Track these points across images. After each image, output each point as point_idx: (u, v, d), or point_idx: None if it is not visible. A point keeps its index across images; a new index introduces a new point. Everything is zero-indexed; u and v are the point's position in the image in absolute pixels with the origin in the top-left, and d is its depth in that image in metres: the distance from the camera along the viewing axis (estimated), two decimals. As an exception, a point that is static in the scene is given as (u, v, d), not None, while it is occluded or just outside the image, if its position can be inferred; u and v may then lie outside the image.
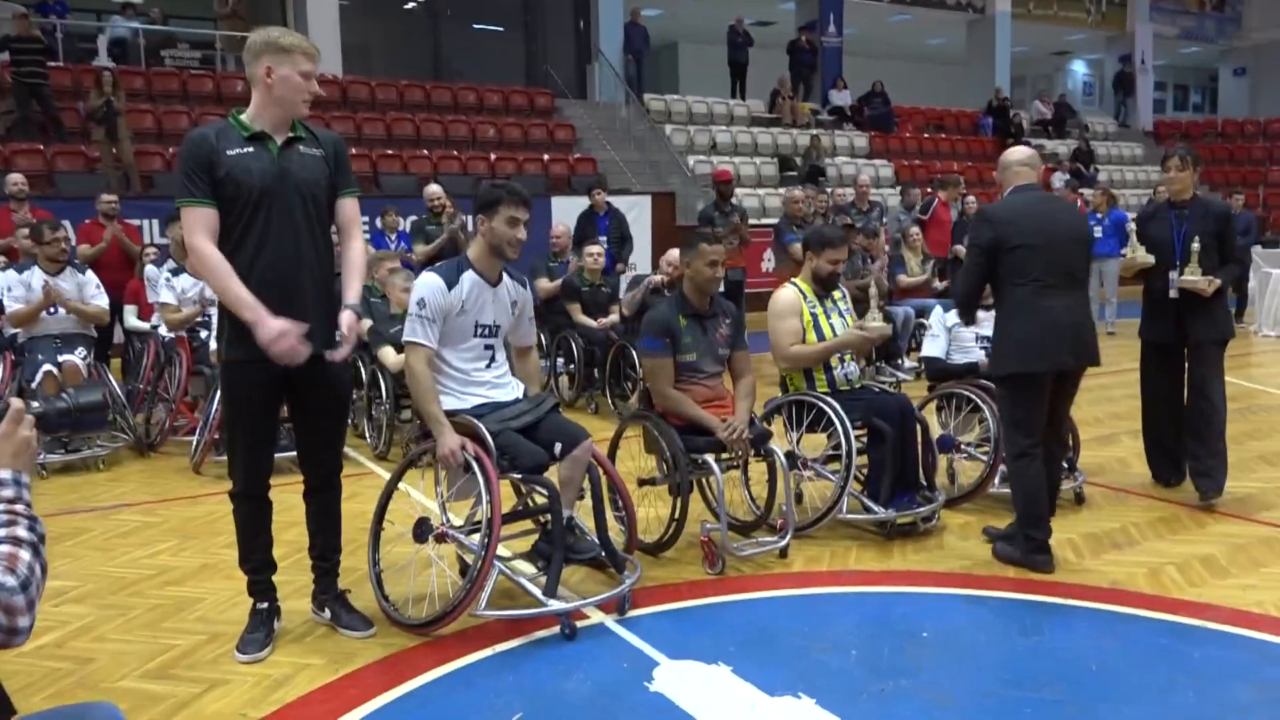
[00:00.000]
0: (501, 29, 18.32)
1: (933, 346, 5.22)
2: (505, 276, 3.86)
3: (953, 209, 10.95)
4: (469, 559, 3.89)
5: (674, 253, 7.47)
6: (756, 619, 3.63)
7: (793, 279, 4.82)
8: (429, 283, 3.70)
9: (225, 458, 5.87)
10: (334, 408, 3.48)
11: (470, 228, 9.38)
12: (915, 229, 9.57)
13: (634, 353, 7.12)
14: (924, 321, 9.08)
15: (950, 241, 10.44)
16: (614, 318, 7.61)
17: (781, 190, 16.50)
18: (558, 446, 3.76)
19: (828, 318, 4.66)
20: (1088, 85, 28.49)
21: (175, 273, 6.74)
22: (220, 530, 4.73)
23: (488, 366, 3.86)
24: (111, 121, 11.28)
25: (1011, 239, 3.93)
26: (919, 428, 4.54)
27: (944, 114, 21.78)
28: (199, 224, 3.19)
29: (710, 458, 4.11)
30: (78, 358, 6.07)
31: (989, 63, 22.44)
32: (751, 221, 11.31)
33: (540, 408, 3.88)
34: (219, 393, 3.31)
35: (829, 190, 12.65)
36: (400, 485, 3.94)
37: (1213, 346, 4.86)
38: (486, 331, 3.81)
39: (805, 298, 4.67)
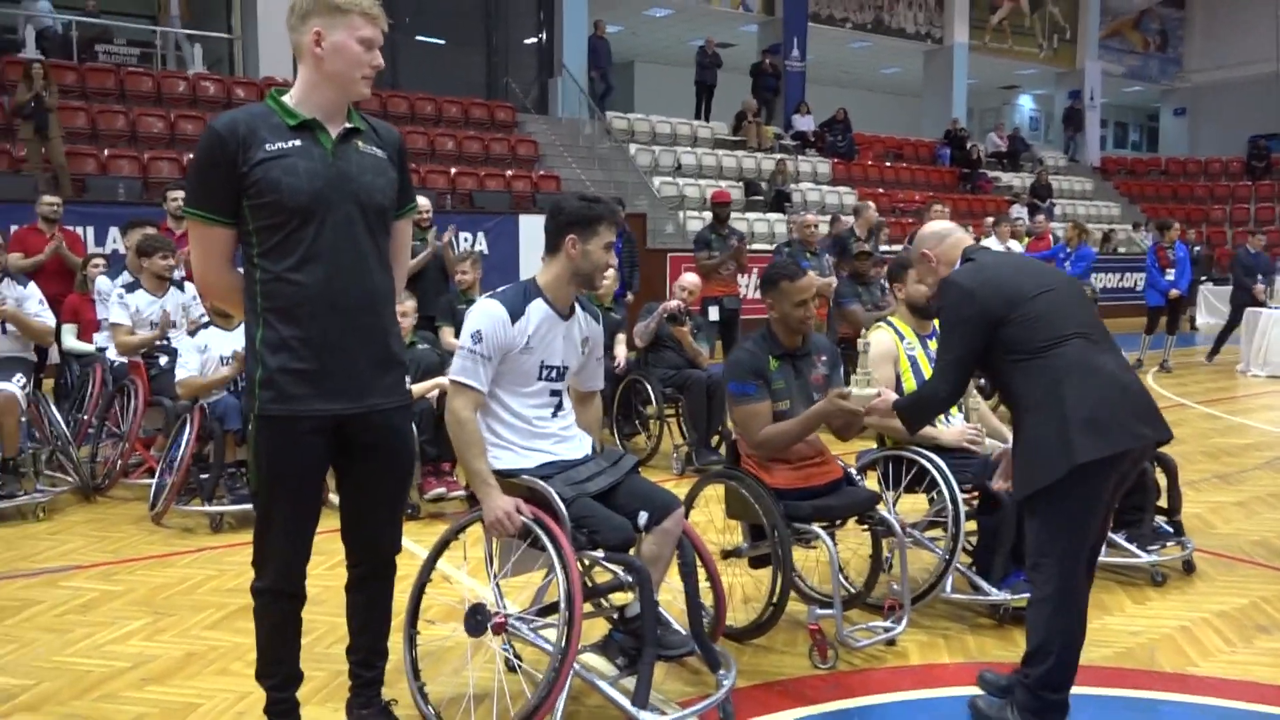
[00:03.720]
0: (460, 40, 17.55)
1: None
2: (577, 308, 3.20)
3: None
4: (525, 656, 3.20)
5: (690, 277, 6.85)
6: (898, 733, 2.99)
7: (889, 319, 4.21)
8: (489, 312, 3.01)
9: (192, 507, 5.13)
10: (397, 472, 2.73)
11: (457, 246, 8.59)
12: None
13: (648, 388, 6.47)
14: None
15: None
16: (623, 349, 6.91)
17: (749, 215, 16.08)
18: (643, 517, 3.06)
19: (930, 360, 4.05)
20: (1034, 120, 28.80)
21: (130, 288, 5.88)
22: (202, 604, 3.91)
23: (553, 415, 3.18)
24: (42, 118, 10.22)
25: None
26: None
27: (903, 143, 21.62)
28: (211, 249, 2.50)
29: (819, 527, 3.46)
30: (15, 386, 5.15)
31: (945, 93, 22.42)
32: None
33: (619, 467, 3.19)
34: (251, 457, 2.53)
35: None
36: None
37: None
38: (553, 374, 3.12)
39: (903, 338, 4.06)
